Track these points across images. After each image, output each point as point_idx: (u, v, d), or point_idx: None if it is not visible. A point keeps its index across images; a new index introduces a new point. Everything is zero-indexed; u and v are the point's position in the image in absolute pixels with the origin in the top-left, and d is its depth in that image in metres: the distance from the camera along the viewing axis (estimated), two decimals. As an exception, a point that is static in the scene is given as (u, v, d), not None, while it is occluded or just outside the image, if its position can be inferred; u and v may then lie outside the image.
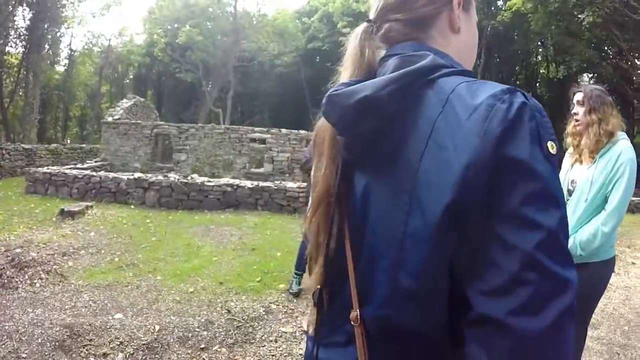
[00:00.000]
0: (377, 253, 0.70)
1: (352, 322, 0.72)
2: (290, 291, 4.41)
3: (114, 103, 28.36)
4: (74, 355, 2.95)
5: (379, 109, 0.68)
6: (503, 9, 23.74)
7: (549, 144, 0.60)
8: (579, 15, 19.95)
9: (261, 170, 16.75)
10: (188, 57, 30.16)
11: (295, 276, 4.46)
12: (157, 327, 3.35)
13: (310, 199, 0.90)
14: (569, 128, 2.71)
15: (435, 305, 0.64)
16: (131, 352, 3.02)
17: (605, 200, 2.44)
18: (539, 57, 33.46)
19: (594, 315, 4.51)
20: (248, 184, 9.88)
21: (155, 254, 5.55)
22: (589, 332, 4.09)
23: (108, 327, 3.32)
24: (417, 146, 0.65)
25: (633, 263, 7.34)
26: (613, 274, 6.57)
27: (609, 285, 5.77)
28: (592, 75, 28.93)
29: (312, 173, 0.85)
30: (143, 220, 7.77)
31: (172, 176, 10.59)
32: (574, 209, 2.55)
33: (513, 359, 0.56)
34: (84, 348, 3.04)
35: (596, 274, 2.57)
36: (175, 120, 27.03)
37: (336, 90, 0.72)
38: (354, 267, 0.74)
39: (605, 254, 2.53)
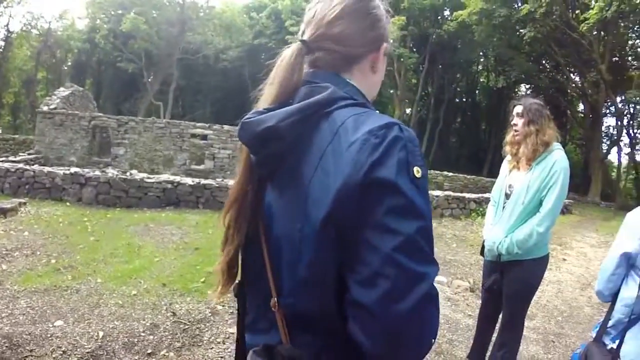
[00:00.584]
0: (282, 252, 0.84)
1: (272, 309, 0.86)
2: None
3: (50, 91, 26.66)
4: None
5: (280, 137, 0.81)
6: (449, 18, 24.75)
7: (415, 169, 0.75)
8: (521, 30, 21.29)
9: (202, 167, 16.47)
10: (131, 46, 29.00)
11: None
12: (101, 334, 3.26)
13: None
14: (508, 137, 2.97)
15: (326, 293, 0.79)
16: (74, 362, 2.91)
17: (540, 203, 2.70)
18: (480, 67, 35.24)
19: (529, 308, 4.96)
20: (189, 181, 9.67)
21: (94, 255, 5.36)
22: (526, 323, 4.49)
23: (49, 335, 3.18)
24: (309, 169, 0.79)
25: (564, 259, 8.08)
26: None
27: (542, 279, 6.34)
28: (529, 86, 30.93)
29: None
30: (80, 218, 7.43)
31: (111, 172, 10.18)
32: (511, 211, 2.80)
33: (384, 337, 0.72)
34: (25, 359, 2.90)
35: (531, 270, 2.82)
36: (113, 112, 25.92)
37: (248, 118, 0.84)
38: (270, 261, 0.87)
39: (540, 252, 2.79)
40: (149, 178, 9.48)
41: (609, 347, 1.89)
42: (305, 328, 0.84)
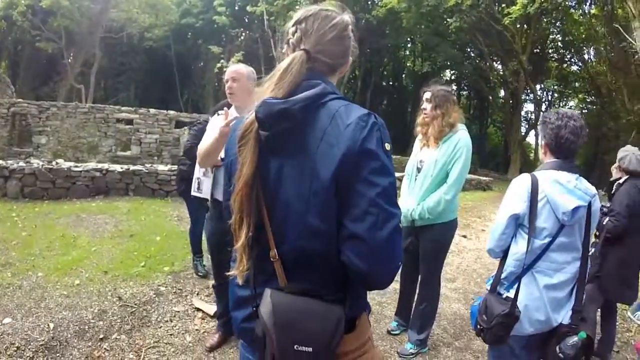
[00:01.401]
0: (291, 206, 1.15)
1: (271, 259, 1.17)
2: (199, 274, 4.66)
3: (-39, 75, 24.19)
4: None
5: (291, 116, 1.12)
6: (378, 4, 25.23)
7: (386, 144, 1.14)
8: (448, 19, 22.25)
9: (128, 153, 15.99)
10: (50, 24, 26.69)
11: (197, 259, 4.73)
12: (52, 325, 3.36)
13: (231, 179, 1.26)
14: (419, 120, 3.42)
15: (329, 234, 1.13)
16: (30, 356, 3.00)
17: (447, 175, 3.18)
18: (407, 52, 36.23)
19: (450, 271, 5.70)
20: (118, 167, 9.49)
21: (30, 249, 5.31)
22: (448, 285, 5.20)
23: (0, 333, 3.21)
24: (314, 142, 1.13)
25: (482, 230, 9.11)
26: (465, 239, 8.09)
27: (462, 247, 7.15)
28: (453, 72, 32.51)
29: (238, 156, 1.20)
30: (7, 214, 7.17)
31: (35, 162, 9.70)
32: (422, 183, 3.27)
33: (371, 256, 1.09)
34: None
35: (441, 232, 3.32)
36: (31, 96, 24.10)
37: (269, 99, 1.14)
38: (269, 221, 1.18)
39: (448, 216, 3.27)
40: (76, 167, 9.16)
41: (504, 296, 2.18)
42: (305, 267, 1.16)
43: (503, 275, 2.20)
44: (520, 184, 2.17)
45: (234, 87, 2.91)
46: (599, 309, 3.65)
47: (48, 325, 3.38)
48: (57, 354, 3.08)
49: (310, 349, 1.09)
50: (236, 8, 30.83)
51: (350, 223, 1.10)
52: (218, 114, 3.09)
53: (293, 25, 1.30)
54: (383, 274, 1.13)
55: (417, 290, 3.58)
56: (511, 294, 2.13)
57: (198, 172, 3.14)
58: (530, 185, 2.11)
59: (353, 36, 1.33)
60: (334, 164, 1.10)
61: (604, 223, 3.39)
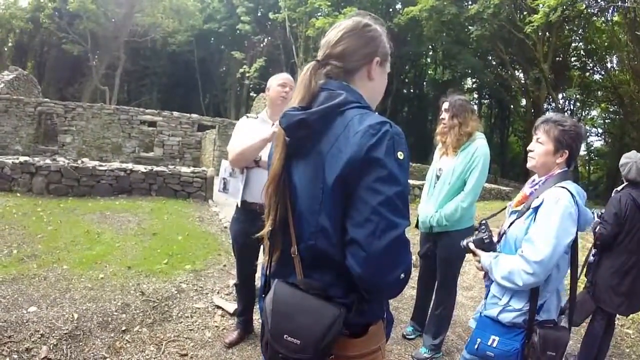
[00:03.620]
0: (305, 207, 1.23)
1: (292, 255, 1.25)
2: None
3: (-9, 74, 24.95)
4: None
5: (307, 126, 1.20)
6: (401, 12, 25.22)
7: (399, 153, 1.14)
8: (469, 27, 22.13)
9: (151, 154, 16.25)
10: (76, 27, 27.46)
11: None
12: (76, 315, 3.44)
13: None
14: (439, 129, 3.45)
15: (337, 235, 1.18)
16: (54, 343, 3.07)
17: (464, 183, 3.20)
18: (428, 60, 36.03)
19: (467, 280, 5.64)
20: (142, 168, 9.68)
21: (55, 243, 5.46)
22: (464, 293, 5.17)
23: (25, 321, 3.28)
24: (326, 147, 1.18)
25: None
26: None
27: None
28: (474, 80, 32.26)
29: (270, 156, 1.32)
30: (33, 208, 7.38)
31: (62, 160, 9.97)
32: (440, 190, 3.29)
33: (367, 264, 1.10)
34: (4, 346, 2.98)
35: (458, 239, 3.30)
36: (57, 96, 24.75)
37: (290, 110, 1.22)
38: (292, 219, 1.26)
39: (465, 223, 3.28)
40: (101, 166, 9.40)
41: (561, 323, 2.03)
42: (321, 266, 1.22)
43: (541, 302, 1.96)
44: (568, 203, 1.86)
45: (289, 92, 3.02)
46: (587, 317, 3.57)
47: (72, 315, 3.47)
48: (80, 343, 3.16)
49: (298, 342, 1.15)
50: (259, 14, 31.22)
51: (351, 228, 1.13)
52: (247, 117, 3.19)
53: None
54: (381, 282, 1.12)
55: (434, 296, 3.58)
56: (552, 315, 2.00)
57: (224, 172, 3.20)
58: (575, 203, 1.89)
59: (376, 35, 1.34)
60: (338, 168, 1.14)
61: (596, 230, 3.36)
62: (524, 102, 30.51)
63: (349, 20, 1.33)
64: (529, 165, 2.14)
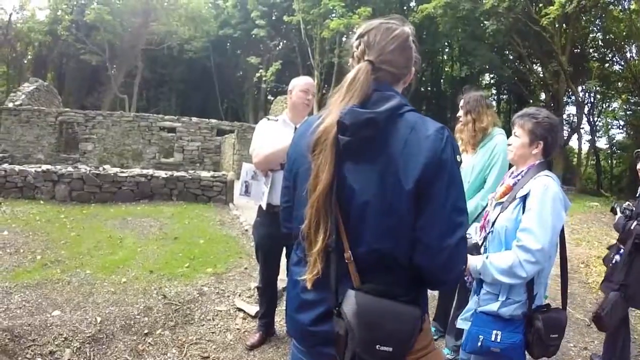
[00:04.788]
0: (370, 208, 1.19)
1: (346, 260, 1.21)
2: None
3: (11, 87, 25.65)
4: (19, 358, 2.92)
5: (376, 124, 1.18)
6: (415, 10, 25.04)
7: (458, 156, 1.21)
8: (485, 22, 21.82)
9: (171, 160, 16.44)
10: (94, 38, 28.07)
11: None
12: (99, 319, 3.46)
13: (295, 183, 1.36)
14: (457, 126, 3.37)
15: (406, 237, 1.19)
16: (78, 347, 3.10)
17: (484, 181, 3.11)
18: (445, 57, 35.69)
19: None
20: (162, 174, 9.81)
21: (78, 248, 5.53)
22: None
23: (48, 325, 3.31)
24: (396, 150, 1.18)
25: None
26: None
27: None
28: (492, 76, 31.76)
29: (312, 163, 1.24)
30: (57, 215, 7.52)
31: (83, 167, 10.17)
32: None
33: (440, 260, 1.18)
34: (28, 349, 3.02)
35: None
36: (77, 106, 25.21)
37: (355, 107, 1.20)
38: (344, 225, 1.21)
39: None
40: (122, 172, 9.56)
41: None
42: (380, 268, 1.21)
43: (535, 291, 1.99)
44: (557, 189, 1.95)
45: (311, 99, 3.05)
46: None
47: (95, 318, 3.49)
48: (103, 346, 3.18)
49: (390, 349, 1.14)
50: (273, 18, 31.33)
51: (423, 229, 1.18)
52: (268, 119, 3.17)
53: (356, 39, 1.35)
54: (449, 276, 1.23)
55: (456, 296, 3.49)
56: (542, 302, 2.05)
57: (246, 175, 3.18)
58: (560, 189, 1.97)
59: (414, 47, 1.37)
60: (417, 171, 1.15)
61: (632, 227, 3.11)
62: (543, 96, 29.94)
63: (398, 29, 1.33)
64: (508, 158, 2.24)
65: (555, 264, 2.08)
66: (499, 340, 1.95)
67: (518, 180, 2.07)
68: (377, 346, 1.13)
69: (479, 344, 1.98)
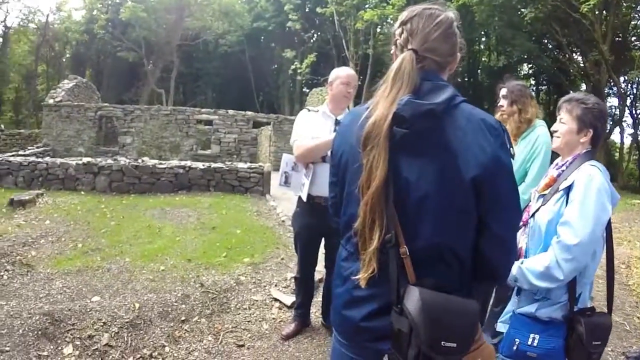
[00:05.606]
0: (429, 202, 1.17)
1: (402, 256, 1.18)
2: None
3: (51, 84, 26.67)
4: (59, 342, 2.98)
5: (436, 115, 1.15)
6: (451, 0, 24.42)
7: (511, 149, 1.22)
8: (522, 9, 21.04)
9: (208, 152, 16.65)
10: (129, 35, 28.79)
11: None
12: (137, 305, 3.49)
13: (345, 177, 1.33)
14: (497, 117, 3.21)
15: (467, 229, 1.20)
16: (116, 331, 3.14)
17: (526, 174, 2.95)
18: (482, 46, 34.70)
19: None
20: (200, 165, 9.90)
21: (118, 237, 5.64)
22: None
23: (88, 310, 3.37)
24: (456, 141, 1.15)
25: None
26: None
27: None
28: (531, 65, 30.62)
29: (364, 158, 1.19)
30: (97, 205, 7.72)
31: (123, 160, 10.41)
32: None
33: (506, 252, 1.26)
34: (68, 333, 3.07)
35: None
36: (115, 101, 25.84)
37: (413, 98, 1.16)
38: (399, 219, 1.18)
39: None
40: (160, 164, 9.71)
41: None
42: (437, 262, 1.20)
43: (579, 292, 1.82)
44: (603, 180, 1.78)
45: (352, 92, 3.00)
46: None
47: (134, 305, 3.52)
48: (141, 331, 3.21)
49: (455, 345, 1.11)
50: (306, 10, 31.23)
51: (494, 222, 1.19)
52: (308, 110, 3.13)
53: (399, 27, 1.30)
54: (510, 267, 1.34)
55: (494, 293, 3.33)
56: (587, 304, 1.87)
57: (285, 165, 3.14)
58: (606, 181, 1.79)
59: (459, 32, 1.33)
60: (476, 163, 1.14)
61: None
62: (583, 86, 28.63)
63: (441, 14, 1.28)
64: (553, 146, 2.07)
65: (600, 264, 1.89)
66: (535, 344, 1.80)
67: (562, 171, 1.93)
68: (443, 343, 1.10)
69: (515, 347, 1.85)
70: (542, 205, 1.90)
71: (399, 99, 1.16)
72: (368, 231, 1.19)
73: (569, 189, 1.80)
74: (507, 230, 1.23)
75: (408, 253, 1.17)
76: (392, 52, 1.32)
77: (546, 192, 1.94)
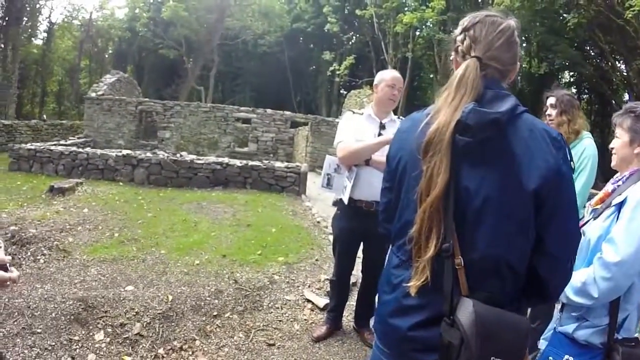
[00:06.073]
0: (487, 214, 1.12)
1: (456, 267, 1.13)
2: None
3: (93, 78, 27.63)
4: (90, 327, 3.00)
5: (500, 125, 1.12)
6: (491, 4, 23.85)
7: (572, 163, 1.17)
8: (565, 15, 20.35)
9: (246, 149, 16.76)
10: (171, 33, 29.51)
11: None
12: (170, 297, 3.50)
13: (401, 185, 1.30)
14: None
15: (523, 244, 1.14)
16: (148, 321, 3.15)
17: None
18: (522, 52, 33.76)
19: None
20: (237, 162, 9.98)
21: (154, 229, 5.70)
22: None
23: (121, 298, 3.40)
24: (519, 152, 1.12)
25: None
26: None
27: None
28: (572, 73, 29.56)
29: (425, 165, 1.17)
30: (134, 197, 7.87)
31: (161, 153, 10.62)
32: None
33: (561, 271, 1.20)
34: (100, 320, 3.10)
35: None
36: (156, 97, 26.59)
37: (478, 107, 1.13)
38: (456, 230, 1.14)
39: None
40: (198, 159, 9.86)
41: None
42: (490, 276, 1.15)
43: (622, 317, 1.66)
44: None
45: (397, 94, 2.97)
46: None
47: (167, 296, 3.53)
48: (172, 323, 3.21)
49: None
50: (345, 12, 31.20)
51: (551, 240, 1.15)
52: (353, 112, 3.08)
53: (460, 33, 1.28)
54: (561, 290, 1.27)
55: (530, 308, 3.17)
56: (632, 334, 1.70)
57: (328, 167, 3.10)
58: None
59: (519, 41, 1.30)
60: (538, 177, 1.10)
61: None
62: (626, 96, 27.39)
63: (504, 22, 1.26)
64: (612, 164, 1.88)
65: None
66: None
67: (618, 186, 1.78)
68: (492, 358, 1.06)
69: None
70: (592, 219, 1.78)
71: (463, 107, 1.13)
72: (424, 239, 1.16)
73: (620, 205, 1.66)
74: (562, 250, 1.17)
75: (463, 264, 1.13)
76: (451, 58, 1.31)
77: (599, 206, 1.80)
